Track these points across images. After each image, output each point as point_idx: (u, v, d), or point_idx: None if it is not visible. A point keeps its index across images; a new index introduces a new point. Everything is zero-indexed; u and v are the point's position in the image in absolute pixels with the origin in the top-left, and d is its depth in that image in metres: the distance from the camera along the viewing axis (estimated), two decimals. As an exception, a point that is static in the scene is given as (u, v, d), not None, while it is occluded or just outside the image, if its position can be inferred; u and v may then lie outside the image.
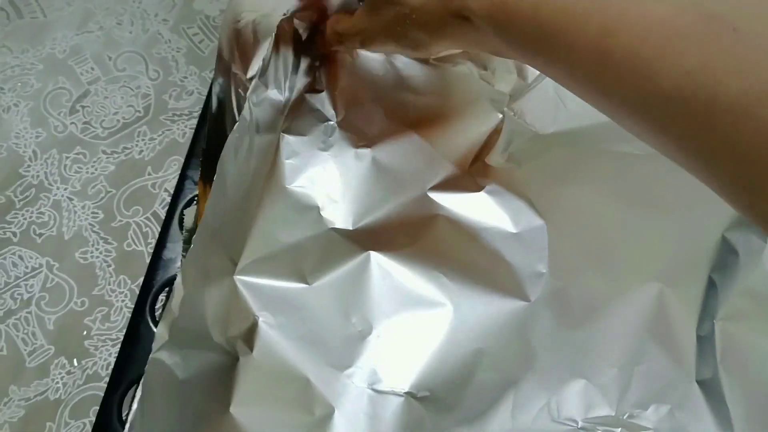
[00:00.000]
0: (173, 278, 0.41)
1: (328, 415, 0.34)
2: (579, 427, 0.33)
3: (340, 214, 0.37)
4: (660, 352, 0.34)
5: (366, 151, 0.38)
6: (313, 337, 0.35)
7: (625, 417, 0.33)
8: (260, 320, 0.36)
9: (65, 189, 0.47)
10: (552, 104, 0.39)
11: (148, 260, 0.45)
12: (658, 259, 0.35)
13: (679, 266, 0.35)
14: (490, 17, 0.26)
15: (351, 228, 0.37)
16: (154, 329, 0.38)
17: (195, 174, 0.44)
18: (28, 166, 0.48)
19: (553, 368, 0.34)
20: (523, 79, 0.40)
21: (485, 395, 0.34)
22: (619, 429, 0.33)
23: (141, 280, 0.44)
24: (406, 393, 0.34)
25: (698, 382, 0.34)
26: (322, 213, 0.37)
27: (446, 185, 0.38)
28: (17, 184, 0.48)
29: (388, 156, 0.38)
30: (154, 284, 0.41)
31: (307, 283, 0.37)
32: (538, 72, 0.39)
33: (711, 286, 0.35)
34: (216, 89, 0.39)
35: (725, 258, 0.35)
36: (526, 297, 0.35)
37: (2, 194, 0.47)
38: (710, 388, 0.34)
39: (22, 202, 0.47)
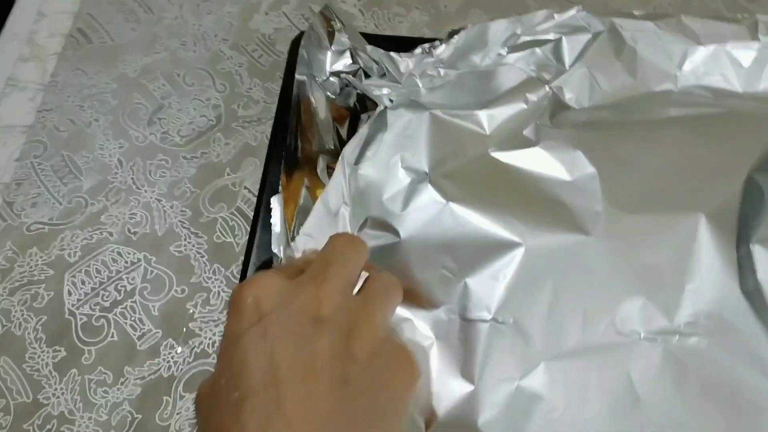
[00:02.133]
0: (269, 260, 0.45)
1: (430, 344, 0.39)
2: (642, 337, 0.38)
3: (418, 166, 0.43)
4: (706, 271, 0.39)
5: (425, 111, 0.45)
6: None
7: (681, 327, 0.38)
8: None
9: (153, 191, 0.51)
10: (587, 84, 0.46)
11: (237, 250, 0.48)
12: (697, 193, 0.41)
13: (716, 199, 0.41)
14: None
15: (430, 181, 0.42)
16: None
17: (275, 168, 0.48)
18: (116, 173, 0.52)
19: (614, 290, 0.39)
20: (561, 64, 0.46)
21: (557, 317, 0.39)
22: (677, 336, 0.38)
23: (233, 267, 0.47)
24: (491, 319, 0.39)
25: (744, 292, 0.38)
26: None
27: (505, 145, 0.44)
28: (107, 190, 0.51)
29: (447, 117, 0.45)
30: (251, 264, 0.44)
31: (399, 236, 0.41)
32: (574, 55, 0.45)
33: (744, 217, 0.40)
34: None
35: (753, 194, 0.41)
36: (587, 232, 0.40)
37: (95, 199, 0.51)
38: (754, 298, 0.38)
39: (114, 205, 0.51)
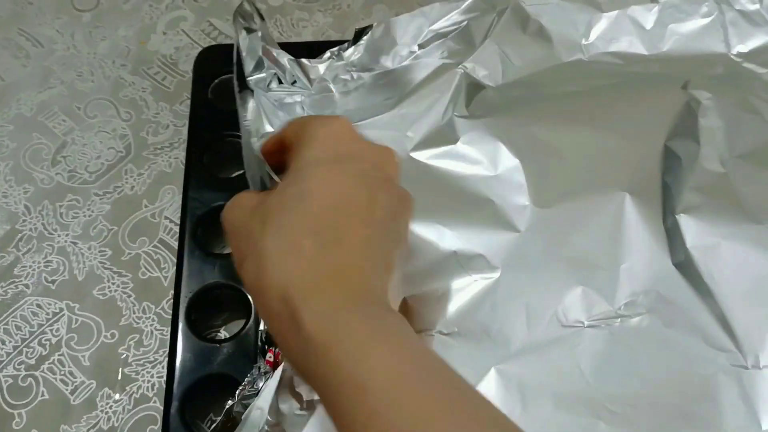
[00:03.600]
0: (202, 289, 0.43)
1: None
2: (586, 326, 0.38)
3: None
4: (637, 249, 0.39)
5: None
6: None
7: (621, 309, 0.38)
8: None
9: (67, 235, 0.49)
10: (499, 60, 0.46)
11: (166, 284, 0.47)
12: (618, 172, 0.41)
13: (637, 175, 0.41)
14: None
15: None
16: (195, 338, 0.41)
17: (197, 194, 0.47)
18: (24, 221, 0.49)
19: (553, 282, 0.39)
20: (472, 46, 0.46)
21: (501, 319, 0.38)
22: (619, 320, 0.38)
23: (164, 302, 0.46)
24: (436, 332, 0.38)
25: (675, 265, 0.39)
26: None
27: (425, 143, 0.43)
28: (17, 239, 0.48)
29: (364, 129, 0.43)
30: (186, 296, 0.43)
31: None
32: (482, 35, 0.46)
33: (666, 188, 0.40)
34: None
35: (671, 163, 0.41)
36: (516, 228, 0.40)
37: (4, 251, 0.48)
38: (686, 269, 0.39)
39: (26, 255, 0.48)
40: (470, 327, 0.38)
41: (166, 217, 0.49)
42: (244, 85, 0.43)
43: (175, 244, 0.48)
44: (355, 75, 0.47)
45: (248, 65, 0.44)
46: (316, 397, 0.36)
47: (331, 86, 0.47)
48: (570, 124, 0.44)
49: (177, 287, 0.43)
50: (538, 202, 0.40)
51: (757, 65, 0.46)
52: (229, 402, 0.37)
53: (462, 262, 0.39)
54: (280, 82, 0.46)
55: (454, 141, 0.43)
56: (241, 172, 0.47)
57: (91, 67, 0.57)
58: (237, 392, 0.37)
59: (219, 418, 0.36)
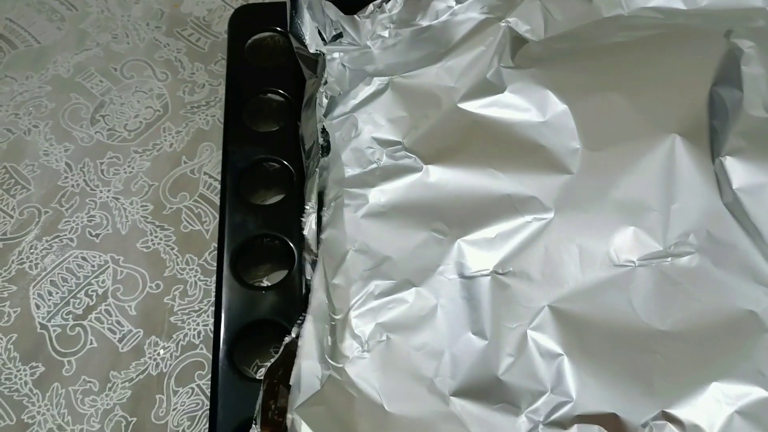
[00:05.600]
0: (245, 241, 0.43)
1: (433, 308, 0.38)
2: (637, 265, 0.38)
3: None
4: (687, 190, 0.39)
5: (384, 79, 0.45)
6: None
7: (671, 248, 0.38)
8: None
9: (108, 191, 0.49)
10: (541, 15, 0.46)
11: (207, 237, 0.47)
12: (668, 116, 0.41)
13: (686, 118, 0.41)
14: None
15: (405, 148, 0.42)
16: (240, 285, 0.42)
17: (237, 148, 0.47)
18: (66, 177, 0.50)
19: (605, 223, 0.39)
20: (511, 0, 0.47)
21: (555, 259, 0.39)
22: (669, 259, 0.38)
23: (207, 254, 0.46)
24: (491, 272, 0.38)
25: (725, 205, 0.39)
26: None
27: (472, 94, 0.43)
28: (59, 196, 0.49)
29: (407, 80, 0.44)
30: (229, 247, 0.43)
31: (384, 208, 0.40)
32: None
33: (713, 131, 0.41)
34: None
35: (717, 108, 0.41)
36: (569, 170, 0.40)
37: (48, 207, 0.48)
38: (734, 209, 0.39)
39: (69, 210, 0.48)
40: (525, 267, 0.38)
41: (205, 173, 0.49)
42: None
43: (216, 199, 0.48)
44: (393, 32, 0.47)
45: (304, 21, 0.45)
46: (375, 339, 0.37)
47: (369, 42, 0.47)
48: (616, 72, 0.44)
49: (221, 238, 0.43)
50: (589, 144, 0.41)
51: (797, 16, 0.45)
52: (287, 338, 0.37)
53: (516, 205, 0.39)
54: (323, 39, 0.46)
55: (502, 90, 0.43)
56: (277, 127, 0.47)
57: (126, 30, 0.57)
58: (293, 329, 0.37)
59: (277, 355, 0.36)
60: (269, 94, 0.50)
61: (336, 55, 0.47)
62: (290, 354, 0.37)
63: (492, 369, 0.36)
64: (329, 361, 0.37)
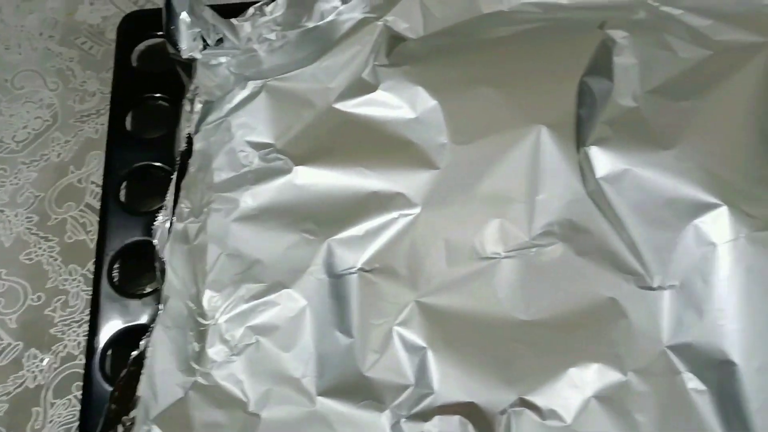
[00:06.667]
0: (125, 247, 0.43)
1: (303, 309, 0.38)
2: (503, 256, 0.39)
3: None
4: (551, 180, 0.40)
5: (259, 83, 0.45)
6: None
7: (536, 239, 0.39)
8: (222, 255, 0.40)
9: (-7, 204, 0.48)
10: (420, 12, 0.46)
11: (91, 247, 0.46)
12: (536, 107, 0.42)
13: (553, 109, 0.41)
14: None
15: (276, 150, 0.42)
16: (115, 293, 0.41)
17: (120, 154, 0.46)
18: (-51, 191, 0.49)
19: (470, 217, 0.39)
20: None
21: (421, 254, 0.39)
22: (534, 249, 0.39)
23: (90, 264, 0.46)
24: (358, 270, 0.39)
25: (588, 193, 0.39)
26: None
27: (347, 94, 0.43)
28: (-57, 209, 0.48)
29: (282, 83, 0.44)
30: (108, 254, 0.42)
31: (255, 210, 0.40)
32: None
33: (580, 121, 0.41)
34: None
35: (586, 98, 0.42)
36: (436, 166, 0.41)
37: (-69, 220, 0.48)
38: (597, 198, 0.39)
39: (-49, 224, 0.48)
40: (391, 263, 0.39)
41: (92, 182, 0.49)
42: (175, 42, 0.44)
43: (101, 207, 0.47)
44: (280, 34, 0.47)
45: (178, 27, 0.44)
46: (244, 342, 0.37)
47: (256, 46, 0.47)
48: (489, 66, 0.44)
49: (99, 245, 0.43)
50: (456, 139, 0.41)
51: (674, 8, 0.46)
52: (134, 352, 0.37)
53: (383, 201, 0.40)
54: (205, 44, 0.46)
55: (374, 88, 0.43)
56: (162, 133, 0.47)
57: (19, 40, 0.56)
58: (142, 340, 0.37)
59: (125, 370, 0.36)
60: (155, 100, 0.49)
61: (223, 59, 0.47)
62: (141, 366, 0.36)
63: (357, 366, 0.37)
64: (195, 367, 0.37)
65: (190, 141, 0.42)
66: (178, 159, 0.42)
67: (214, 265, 0.40)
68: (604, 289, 0.38)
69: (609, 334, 0.37)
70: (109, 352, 0.40)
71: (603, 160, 0.40)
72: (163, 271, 0.39)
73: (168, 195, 0.41)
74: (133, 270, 0.44)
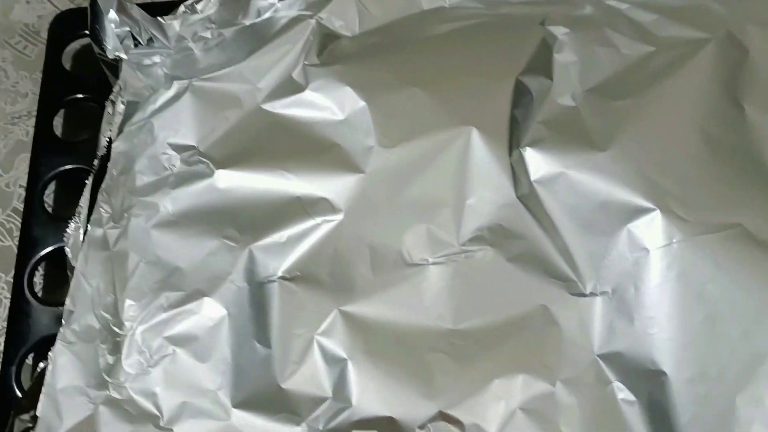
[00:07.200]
0: (51, 251, 0.42)
1: (222, 319, 0.37)
2: (430, 263, 0.37)
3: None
4: (482, 185, 0.38)
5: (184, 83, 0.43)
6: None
7: (465, 245, 0.37)
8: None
9: None
10: (356, 10, 0.45)
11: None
12: (468, 108, 0.40)
13: (486, 110, 0.40)
14: None
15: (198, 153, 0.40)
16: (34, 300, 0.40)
17: (45, 158, 0.45)
18: None
19: (397, 222, 0.38)
20: None
21: (344, 261, 0.38)
22: (463, 255, 0.37)
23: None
24: (279, 278, 0.37)
25: (519, 198, 0.38)
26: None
27: (276, 94, 0.42)
28: None
29: (208, 83, 0.43)
30: (28, 261, 0.41)
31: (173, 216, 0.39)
32: None
33: (514, 122, 0.40)
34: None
35: (522, 97, 0.40)
36: (361, 169, 0.39)
37: None
38: (529, 201, 0.38)
39: None
40: (313, 271, 0.37)
41: (20, 186, 0.47)
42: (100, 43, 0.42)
43: (29, 213, 0.46)
44: (215, 32, 0.46)
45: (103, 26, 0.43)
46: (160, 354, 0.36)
47: (191, 44, 0.46)
48: (422, 65, 0.43)
49: (20, 251, 0.41)
50: (383, 142, 0.40)
51: (620, 2, 0.45)
52: (41, 364, 0.35)
53: (306, 207, 0.38)
54: (136, 43, 0.45)
55: (303, 89, 0.42)
56: (88, 135, 0.45)
57: (-49, 41, 0.54)
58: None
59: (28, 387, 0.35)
60: (83, 102, 0.48)
61: (157, 59, 0.45)
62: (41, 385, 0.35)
63: (275, 378, 0.35)
64: (108, 380, 0.35)
65: (109, 144, 0.41)
66: (95, 163, 0.40)
67: (133, 273, 0.38)
68: (535, 297, 0.36)
69: (538, 344, 0.35)
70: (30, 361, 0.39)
71: (538, 162, 0.38)
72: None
73: (82, 200, 0.39)
74: (59, 277, 0.43)
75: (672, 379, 0.33)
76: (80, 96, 0.47)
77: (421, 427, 0.34)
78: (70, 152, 0.46)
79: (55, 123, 0.48)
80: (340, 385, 0.35)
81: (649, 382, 0.34)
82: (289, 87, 0.42)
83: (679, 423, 0.33)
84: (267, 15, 0.47)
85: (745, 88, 0.39)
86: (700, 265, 0.35)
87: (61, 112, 0.49)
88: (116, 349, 0.36)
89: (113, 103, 0.42)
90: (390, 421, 0.34)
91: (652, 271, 0.35)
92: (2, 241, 0.46)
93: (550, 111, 0.40)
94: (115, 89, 0.42)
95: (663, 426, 0.33)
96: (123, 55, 0.43)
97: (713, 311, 0.34)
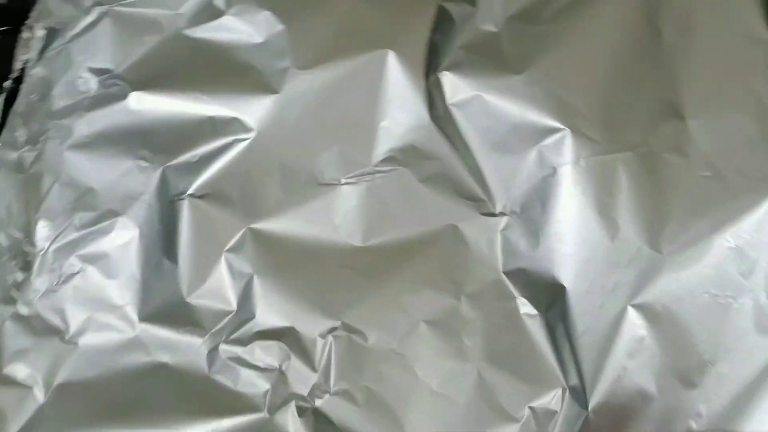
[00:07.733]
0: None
1: (134, 238, 0.37)
2: (342, 183, 0.37)
3: None
4: (396, 107, 0.38)
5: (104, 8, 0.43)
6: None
7: (377, 165, 0.38)
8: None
9: None
10: None
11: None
12: (386, 31, 0.40)
13: (405, 33, 0.40)
14: None
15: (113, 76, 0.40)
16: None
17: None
18: None
19: (309, 143, 0.38)
20: None
21: (256, 181, 0.38)
22: (375, 175, 0.38)
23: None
24: (188, 195, 0.37)
25: (433, 119, 0.38)
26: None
27: (196, 19, 0.42)
28: None
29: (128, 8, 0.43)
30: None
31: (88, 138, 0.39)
32: None
33: (433, 46, 0.39)
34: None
35: (444, 23, 0.40)
36: (275, 90, 0.39)
37: None
38: (444, 123, 0.38)
39: None
40: (224, 189, 0.37)
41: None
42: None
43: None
44: None
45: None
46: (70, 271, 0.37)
47: None
48: None
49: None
50: (299, 64, 0.40)
51: None
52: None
53: (218, 127, 0.38)
54: None
55: (223, 14, 0.42)
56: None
57: None
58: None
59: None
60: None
61: None
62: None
63: (181, 292, 0.36)
64: (16, 297, 0.36)
65: (22, 69, 0.40)
66: (5, 86, 0.40)
67: (47, 194, 0.38)
68: (445, 216, 0.36)
69: (447, 261, 0.36)
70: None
71: (454, 86, 0.38)
72: None
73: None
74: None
75: (570, 292, 0.34)
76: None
77: (322, 336, 0.34)
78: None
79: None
80: (245, 298, 0.35)
81: (550, 296, 0.34)
82: (209, 12, 0.42)
83: (575, 333, 0.33)
84: None
85: (663, 11, 0.39)
86: (603, 182, 0.35)
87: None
88: (27, 267, 0.37)
89: (30, 29, 0.41)
90: (291, 330, 0.34)
91: (559, 189, 0.36)
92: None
93: (471, 36, 0.40)
94: (32, 14, 0.42)
95: (563, 336, 0.34)
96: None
97: (613, 226, 0.34)
